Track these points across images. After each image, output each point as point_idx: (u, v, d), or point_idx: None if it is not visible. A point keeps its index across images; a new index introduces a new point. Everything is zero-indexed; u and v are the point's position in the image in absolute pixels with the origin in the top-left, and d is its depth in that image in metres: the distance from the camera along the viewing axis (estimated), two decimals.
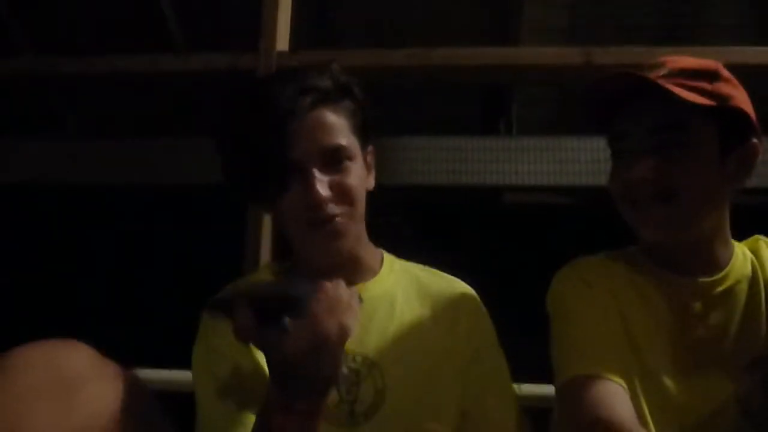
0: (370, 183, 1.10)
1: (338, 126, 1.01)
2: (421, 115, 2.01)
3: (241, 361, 0.98)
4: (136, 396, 0.79)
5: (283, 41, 1.77)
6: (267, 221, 1.62)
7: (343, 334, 0.75)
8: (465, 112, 2.21)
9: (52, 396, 0.71)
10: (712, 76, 0.99)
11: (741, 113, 0.99)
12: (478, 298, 1.13)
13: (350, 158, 1.02)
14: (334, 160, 1.00)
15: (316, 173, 0.98)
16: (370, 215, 1.10)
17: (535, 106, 2.24)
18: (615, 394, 0.92)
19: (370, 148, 1.10)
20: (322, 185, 0.98)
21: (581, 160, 1.81)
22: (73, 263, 2.14)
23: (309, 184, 0.98)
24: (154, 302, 1.99)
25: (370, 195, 1.09)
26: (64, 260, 2.15)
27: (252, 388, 0.93)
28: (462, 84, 2.06)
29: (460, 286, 1.13)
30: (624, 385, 0.94)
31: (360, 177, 1.03)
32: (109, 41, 2.04)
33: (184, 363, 1.10)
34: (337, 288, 0.77)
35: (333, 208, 0.99)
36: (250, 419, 0.88)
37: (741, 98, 1.00)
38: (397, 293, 1.09)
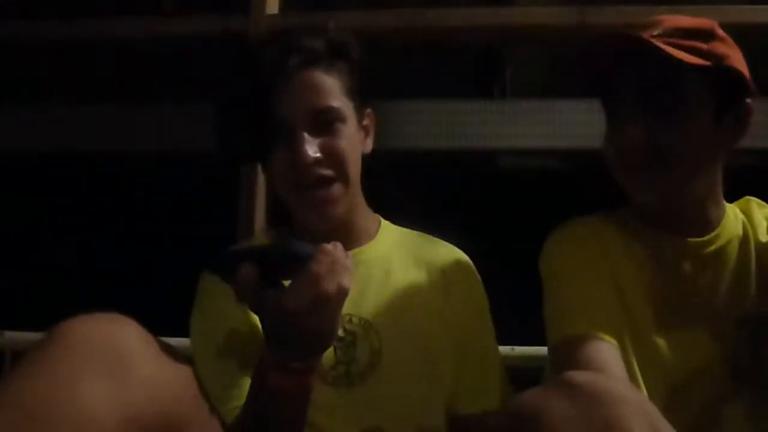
0: (367, 146, 1.09)
1: (329, 87, 1.00)
2: (412, 77, 1.99)
3: (237, 324, 0.99)
4: (187, 377, 0.79)
5: (273, 3, 1.74)
6: (260, 187, 1.62)
7: (342, 294, 0.75)
8: (458, 74, 2.19)
9: (107, 371, 0.71)
10: (708, 35, 0.98)
11: (736, 73, 0.98)
12: (473, 266, 1.13)
13: (342, 120, 1.00)
14: (324, 121, 0.99)
15: (304, 134, 0.97)
16: (363, 180, 1.09)
17: (529, 67, 2.22)
18: (607, 354, 0.93)
19: (368, 111, 1.09)
20: (310, 146, 0.97)
21: (576, 123, 1.80)
22: (58, 231, 2.13)
23: (296, 145, 0.97)
24: (147, 270, 1.99)
25: (364, 159, 1.08)
26: (48, 229, 2.14)
27: (250, 350, 0.94)
28: (454, 45, 2.03)
29: (456, 253, 1.14)
30: (616, 344, 0.95)
31: (352, 140, 1.02)
32: (96, 4, 2.00)
33: (181, 331, 1.11)
34: (336, 249, 0.77)
35: (321, 170, 0.98)
36: (247, 381, 0.89)
37: (736, 58, 0.99)
38: (393, 258, 1.09)
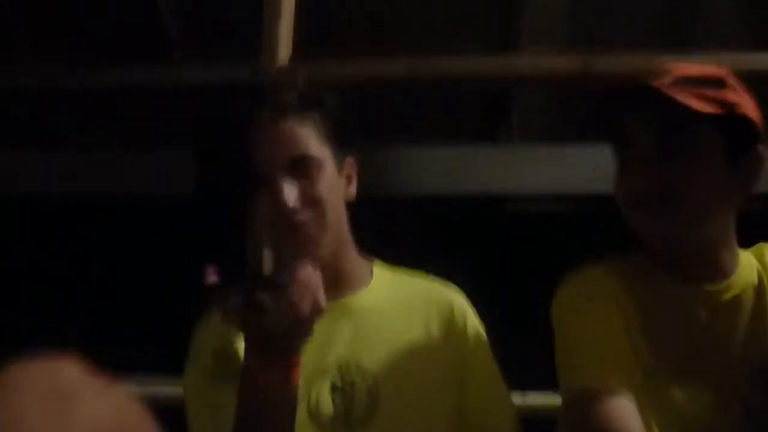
0: (350, 194, 1.09)
1: (302, 136, 1.02)
2: (420, 124, 2.01)
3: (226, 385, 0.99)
4: (132, 414, 0.78)
5: (284, 53, 1.77)
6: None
7: (317, 311, 0.84)
8: (465, 120, 2.21)
9: (48, 413, 0.70)
10: (719, 83, 0.99)
11: (747, 120, 0.99)
12: (469, 305, 1.13)
13: (318, 167, 1.02)
14: (300, 169, 1.01)
15: (283, 181, 0.99)
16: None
17: (535, 113, 2.24)
18: (624, 409, 0.91)
19: (348, 160, 1.09)
20: (289, 192, 0.99)
21: (582, 168, 1.81)
22: (71, 275, 2.13)
23: (275, 192, 0.99)
24: (153, 313, 1.98)
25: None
26: (61, 272, 2.15)
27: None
28: (461, 92, 2.06)
29: (450, 292, 1.14)
30: (631, 397, 0.93)
31: (331, 187, 1.03)
32: (109, 54, 2.05)
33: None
34: (309, 272, 0.85)
35: (302, 216, 1.00)
36: None
37: (748, 105, 0.99)
38: (389, 304, 1.09)
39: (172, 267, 2.05)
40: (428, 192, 1.83)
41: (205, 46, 2.08)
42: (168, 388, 1.34)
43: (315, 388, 1.01)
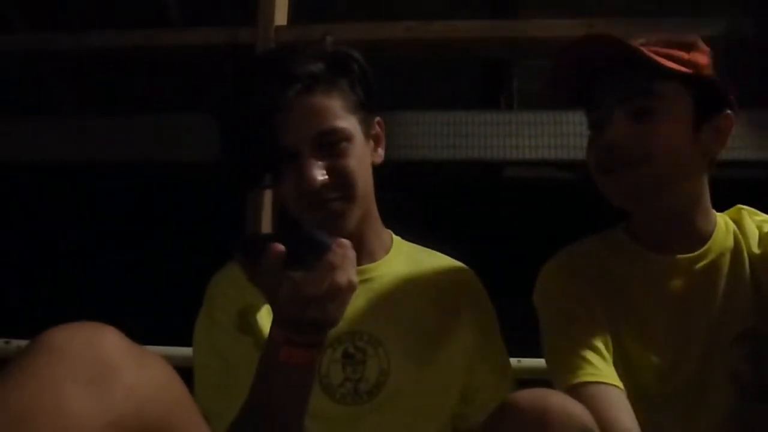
0: (378, 157, 1.07)
1: (330, 109, 0.99)
2: (420, 89, 2.00)
3: (242, 334, 1.00)
4: (171, 382, 0.79)
5: (281, 15, 1.75)
6: (267, 199, 1.62)
7: (351, 289, 0.80)
8: (465, 86, 2.20)
9: (90, 380, 0.70)
10: (689, 46, 0.98)
11: (715, 84, 0.98)
12: (481, 284, 1.13)
13: (347, 139, 0.99)
14: (329, 143, 0.98)
15: (310, 159, 0.97)
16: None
17: (536, 79, 2.23)
18: (616, 402, 0.91)
19: (377, 119, 1.07)
20: (317, 170, 0.96)
21: (582, 134, 1.79)
22: (68, 243, 2.14)
23: (302, 171, 0.96)
24: (153, 280, 2.00)
25: (375, 169, 1.07)
26: (59, 240, 2.16)
27: (251, 362, 0.95)
28: (462, 57, 2.04)
29: (465, 271, 1.13)
30: (621, 386, 0.93)
31: (360, 157, 1.01)
32: (104, 17, 2.02)
33: (185, 340, 1.11)
34: (349, 247, 0.82)
35: (329, 193, 0.97)
36: (241, 391, 0.89)
37: (716, 70, 0.99)
38: (405, 276, 1.09)
39: (170, 231, 2.06)
40: (427, 157, 1.82)
41: (200, 9, 2.05)
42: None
43: (327, 355, 1.00)
